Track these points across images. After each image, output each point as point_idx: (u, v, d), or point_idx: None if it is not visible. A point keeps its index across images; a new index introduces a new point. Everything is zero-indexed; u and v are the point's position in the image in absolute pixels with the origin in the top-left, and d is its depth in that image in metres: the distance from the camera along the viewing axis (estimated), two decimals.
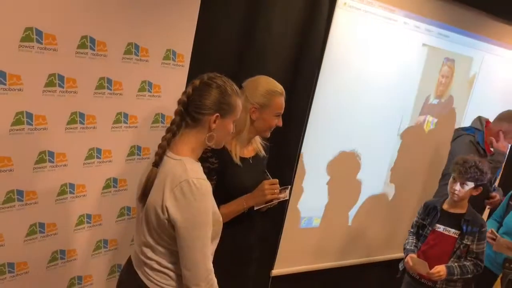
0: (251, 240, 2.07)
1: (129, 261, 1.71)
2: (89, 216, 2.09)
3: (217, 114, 1.52)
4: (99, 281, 2.24)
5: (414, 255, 2.58)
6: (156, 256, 1.55)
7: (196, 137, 1.54)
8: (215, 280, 1.53)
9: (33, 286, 1.96)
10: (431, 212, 2.64)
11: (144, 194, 1.53)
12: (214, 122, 1.52)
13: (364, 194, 3.41)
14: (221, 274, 1.61)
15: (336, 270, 3.44)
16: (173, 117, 1.54)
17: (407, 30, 3.14)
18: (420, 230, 2.68)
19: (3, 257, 1.81)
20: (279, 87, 1.98)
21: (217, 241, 1.64)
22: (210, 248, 1.52)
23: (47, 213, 1.91)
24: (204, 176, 1.50)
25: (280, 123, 2.02)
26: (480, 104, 3.80)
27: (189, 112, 1.52)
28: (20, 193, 1.79)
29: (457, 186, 2.51)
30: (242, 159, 2.00)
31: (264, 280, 3.07)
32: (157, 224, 1.50)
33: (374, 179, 3.45)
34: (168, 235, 1.50)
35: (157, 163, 1.52)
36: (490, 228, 2.87)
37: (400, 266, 2.73)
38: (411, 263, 2.54)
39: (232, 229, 1.83)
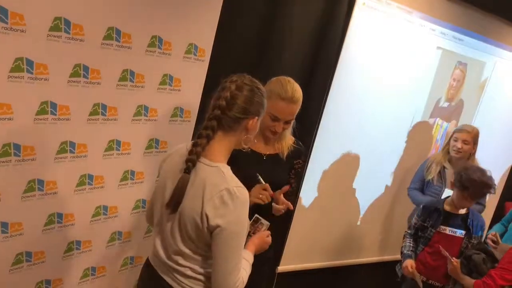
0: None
1: (149, 264, 1.67)
2: (105, 208, 2.09)
3: (256, 117, 1.52)
4: (111, 272, 2.24)
5: (412, 261, 2.61)
6: (189, 263, 1.53)
7: (230, 140, 1.52)
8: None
9: (48, 276, 1.97)
10: (432, 214, 2.66)
11: (176, 201, 1.48)
12: (252, 125, 1.52)
13: (373, 194, 3.43)
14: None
15: (341, 269, 3.46)
16: (207, 122, 1.49)
17: (423, 32, 3.15)
18: (419, 232, 2.70)
19: (21, 246, 1.81)
20: (286, 92, 1.91)
21: None
22: (241, 259, 1.49)
23: (65, 203, 1.91)
24: (241, 184, 1.47)
25: (278, 129, 1.94)
26: (490, 109, 3.81)
27: (228, 116, 1.48)
28: (41, 182, 1.79)
29: (470, 203, 2.57)
30: (253, 151, 1.98)
31: (270, 277, 3.08)
32: (195, 233, 1.47)
33: (383, 179, 3.46)
34: (206, 243, 1.48)
35: (189, 170, 1.46)
36: (496, 231, 2.91)
37: (397, 269, 2.77)
38: (410, 270, 2.57)
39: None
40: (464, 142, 3.00)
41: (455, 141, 3.03)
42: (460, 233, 2.59)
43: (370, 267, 3.64)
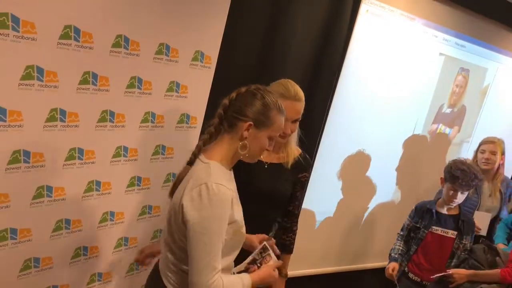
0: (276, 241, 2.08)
1: (155, 267, 1.68)
2: (112, 214, 2.10)
3: (251, 122, 1.49)
4: (118, 278, 2.25)
5: (396, 265, 2.65)
6: (172, 257, 1.54)
7: (229, 143, 1.52)
8: None
9: (55, 281, 1.97)
10: (425, 215, 2.68)
11: (172, 190, 1.55)
12: (247, 130, 1.50)
13: (375, 199, 3.44)
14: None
15: (343, 274, 3.46)
16: (211, 120, 1.54)
17: (426, 39, 3.17)
18: (412, 233, 2.73)
19: (30, 252, 1.82)
20: (289, 91, 1.90)
21: (237, 252, 1.61)
22: (216, 259, 1.44)
23: (73, 209, 1.92)
24: (227, 184, 1.46)
25: (286, 130, 1.90)
26: (492, 115, 3.83)
27: (227, 116, 1.51)
28: (49, 189, 1.80)
29: (458, 196, 2.58)
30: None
31: None
32: (175, 224, 1.49)
33: (385, 185, 3.47)
34: (184, 235, 1.48)
35: (191, 162, 1.52)
36: (500, 231, 2.91)
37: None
38: (390, 272, 2.62)
39: (264, 232, 1.85)
40: (492, 152, 3.01)
41: (482, 153, 3.03)
42: (451, 233, 2.63)
43: (379, 272, 3.63)
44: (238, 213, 1.55)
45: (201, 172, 1.47)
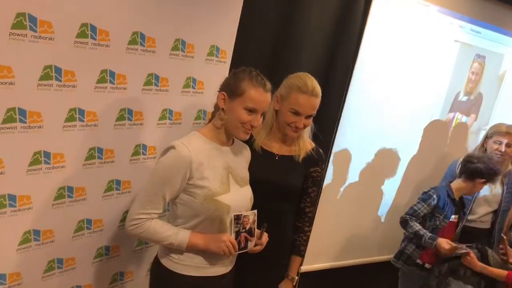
0: (289, 235, 2.07)
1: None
2: None
3: (223, 92, 1.65)
4: (139, 277, 2.24)
5: (443, 240, 2.58)
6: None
7: (217, 117, 1.70)
8: (139, 230, 1.63)
9: (78, 282, 1.97)
10: (448, 204, 2.68)
11: None
12: (223, 100, 1.66)
13: (396, 190, 3.40)
14: (262, 263, 1.87)
15: (364, 267, 3.43)
16: None
17: (441, 25, 3.11)
18: (428, 220, 2.71)
19: (53, 252, 1.81)
20: (306, 86, 1.88)
21: (210, 222, 1.66)
22: (149, 205, 1.61)
23: (94, 209, 1.91)
24: (193, 148, 1.61)
25: (299, 124, 1.90)
26: (509, 102, 3.76)
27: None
28: (70, 189, 1.79)
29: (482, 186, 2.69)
30: (265, 150, 1.97)
31: None
32: None
33: (403, 173, 3.42)
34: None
35: None
36: None
37: (400, 264, 2.85)
38: (448, 246, 2.55)
39: (273, 225, 1.83)
40: (507, 145, 2.89)
41: (499, 144, 2.89)
42: (454, 217, 2.70)
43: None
44: (214, 182, 1.64)
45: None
